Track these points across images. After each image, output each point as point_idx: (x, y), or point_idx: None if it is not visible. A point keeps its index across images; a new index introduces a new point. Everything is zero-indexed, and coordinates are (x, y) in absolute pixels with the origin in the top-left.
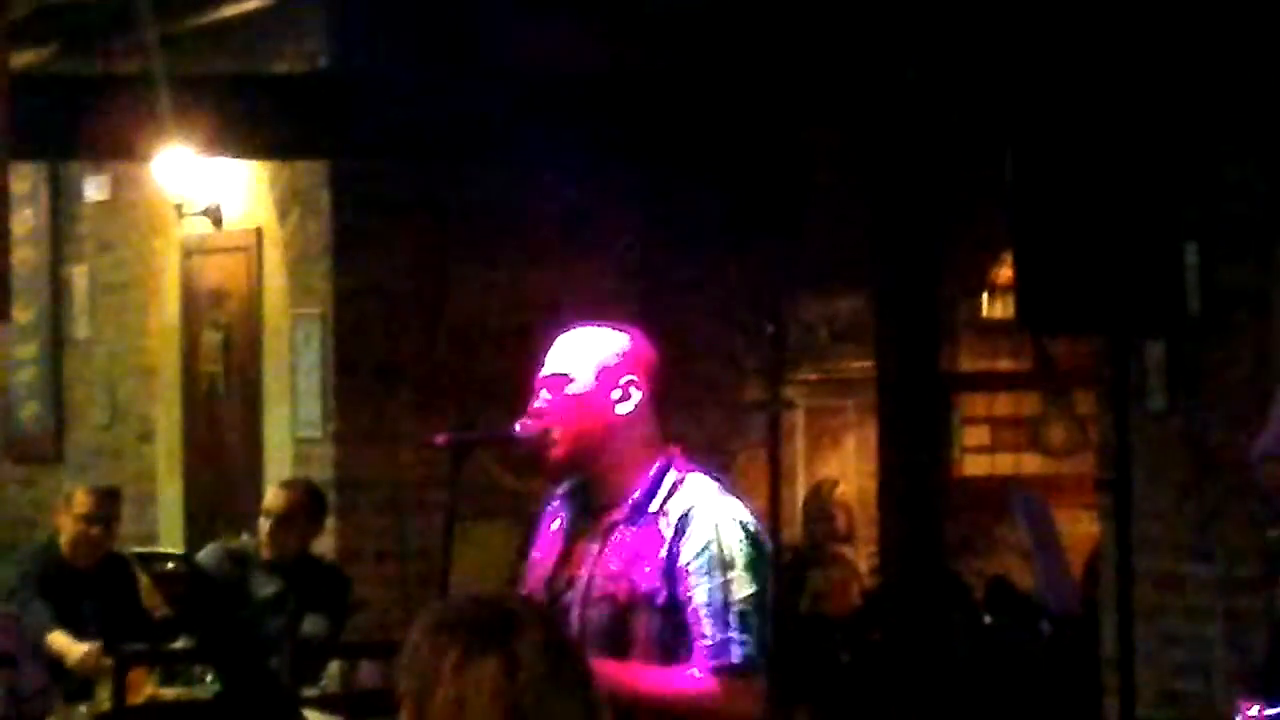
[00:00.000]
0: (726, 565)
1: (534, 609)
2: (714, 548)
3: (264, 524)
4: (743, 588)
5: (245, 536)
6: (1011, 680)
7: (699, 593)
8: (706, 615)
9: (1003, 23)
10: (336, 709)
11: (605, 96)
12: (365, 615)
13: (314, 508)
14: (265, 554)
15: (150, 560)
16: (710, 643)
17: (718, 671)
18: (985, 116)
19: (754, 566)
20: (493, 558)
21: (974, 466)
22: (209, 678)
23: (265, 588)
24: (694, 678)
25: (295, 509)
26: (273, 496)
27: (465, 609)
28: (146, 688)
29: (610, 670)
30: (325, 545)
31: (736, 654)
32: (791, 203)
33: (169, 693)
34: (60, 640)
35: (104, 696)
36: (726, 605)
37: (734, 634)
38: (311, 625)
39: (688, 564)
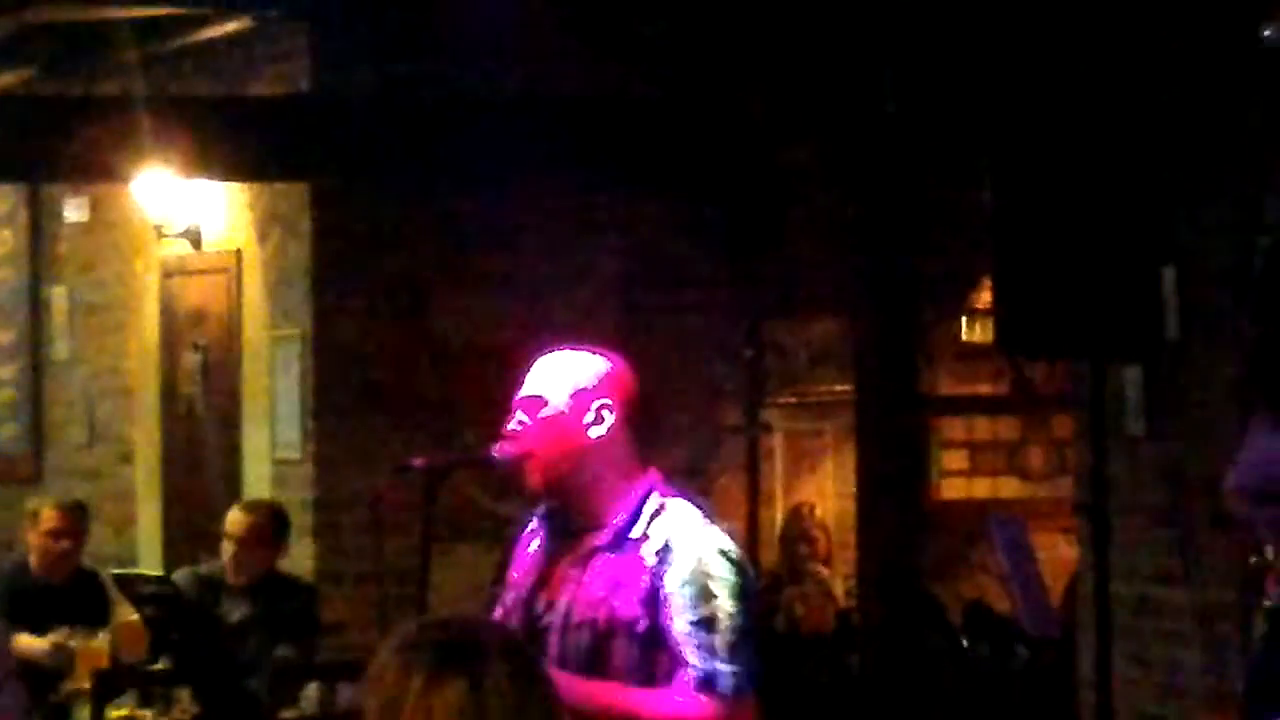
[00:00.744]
0: (711, 595)
1: (501, 632)
2: (698, 578)
3: (227, 548)
4: (728, 617)
5: (214, 561)
6: (989, 704)
7: (683, 623)
8: (693, 646)
9: (982, 49)
10: None
11: (586, 121)
12: (343, 637)
13: (276, 529)
14: (230, 578)
15: (129, 582)
16: (698, 673)
17: (715, 701)
18: (964, 142)
19: (738, 595)
20: (471, 579)
21: (952, 490)
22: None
23: (235, 611)
24: (687, 702)
25: (257, 531)
26: (233, 520)
27: (433, 631)
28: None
29: (602, 692)
30: (303, 567)
31: (726, 684)
32: (771, 227)
33: (146, 714)
34: (23, 640)
35: (82, 717)
36: (713, 635)
37: (721, 664)
38: (283, 649)
39: (671, 593)
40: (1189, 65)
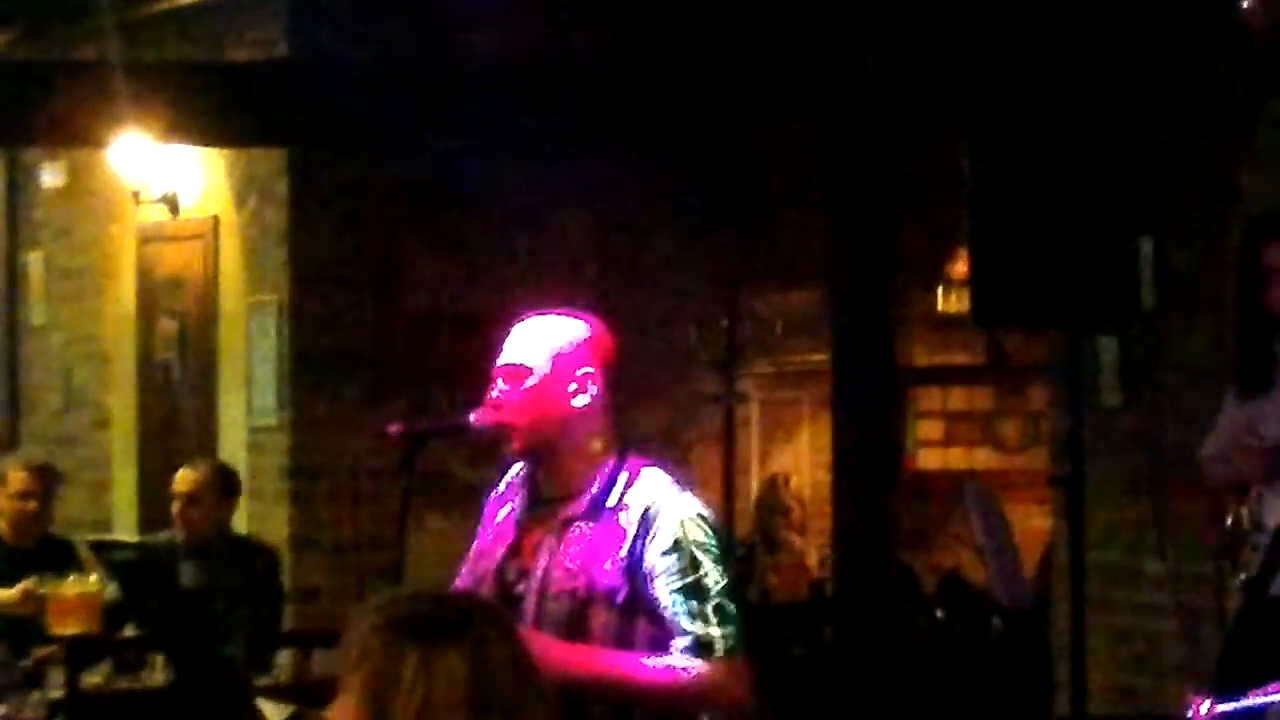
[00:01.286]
0: (696, 561)
1: (486, 603)
2: (682, 546)
3: (175, 506)
4: (715, 583)
5: (169, 531)
6: (963, 674)
7: (671, 591)
8: (684, 613)
9: (959, 17)
10: (289, 698)
11: (565, 87)
12: (318, 604)
13: (223, 486)
14: (181, 538)
15: (104, 548)
16: (692, 639)
17: (715, 663)
18: (941, 111)
19: (720, 560)
20: (444, 547)
21: (927, 460)
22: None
23: (191, 573)
24: (685, 668)
25: (202, 489)
26: (180, 477)
27: (418, 607)
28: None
29: (599, 658)
30: (279, 533)
31: (720, 647)
32: (747, 196)
33: (121, 681)
34: None
35: (57, 683)
36: (703, 601)
37: (714, 629)
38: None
39: (655, 563)
40: (1166, 36)
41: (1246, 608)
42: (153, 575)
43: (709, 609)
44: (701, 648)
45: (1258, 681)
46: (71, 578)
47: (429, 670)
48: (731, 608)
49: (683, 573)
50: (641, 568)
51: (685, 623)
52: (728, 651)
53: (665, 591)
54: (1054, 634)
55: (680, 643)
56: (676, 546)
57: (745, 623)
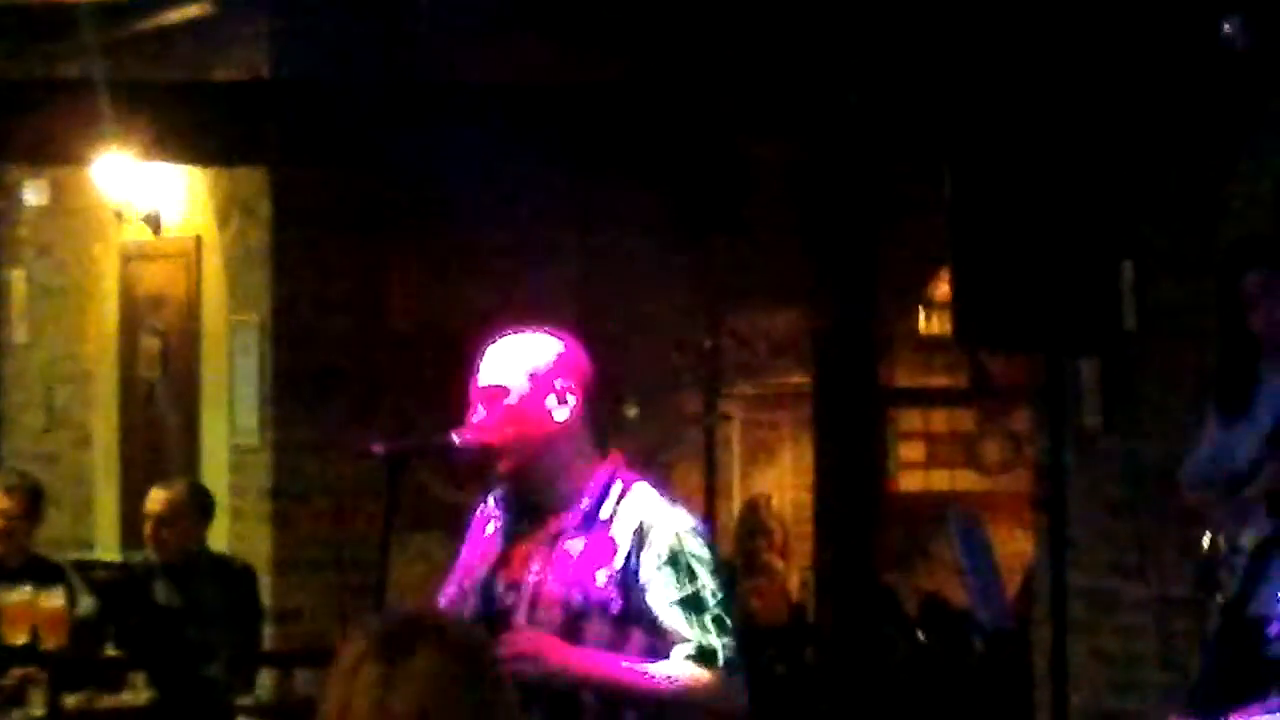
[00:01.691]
0: (693, 573)
1: (452, 620)
2: (679, 558)
3: (147, 527)
4: (712, 594)
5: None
6: (945, 696)
7: (669, 603)
8: (684, 623)
9: (942, 41)
10: (272, 718)
11: (547, 107)
12: (300, 624)
13: (196, 506)
14: (154, 556)
15: (85, 568)
16: (694, 647)
17: (715, 672)
18: (923, 133)
19: (716, 571)
20: (427, 568)
21: (909, 482)
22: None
23: (165, 593)
24: (691, 675)
25: (174, 509)
26: (151, 498)
27: (385, 625)
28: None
29: (610, 664)
30: (261, 553)
31: (722, 657)
32: (729, 217)
33: (103, 700)
34: None
35: (37, 703)
36: (702, 612)
37: (714, 638)
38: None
39: (651, 576)
40: (1149, 59)
41: (1225, 629)
42: (133, 594)
43: (708, 620)
44: (704, 656)
45: (1237, 703)
46: (28, 587)
47: (389, 685)
48: (729, 620)
49: (680, 585)
50: (637, 580)
51: (686, 632)
52: (728, 661)
53: (664, 603)
54: (1035, 656)
55: (682, 650)
56: (673, 559)
57: (739, 632)
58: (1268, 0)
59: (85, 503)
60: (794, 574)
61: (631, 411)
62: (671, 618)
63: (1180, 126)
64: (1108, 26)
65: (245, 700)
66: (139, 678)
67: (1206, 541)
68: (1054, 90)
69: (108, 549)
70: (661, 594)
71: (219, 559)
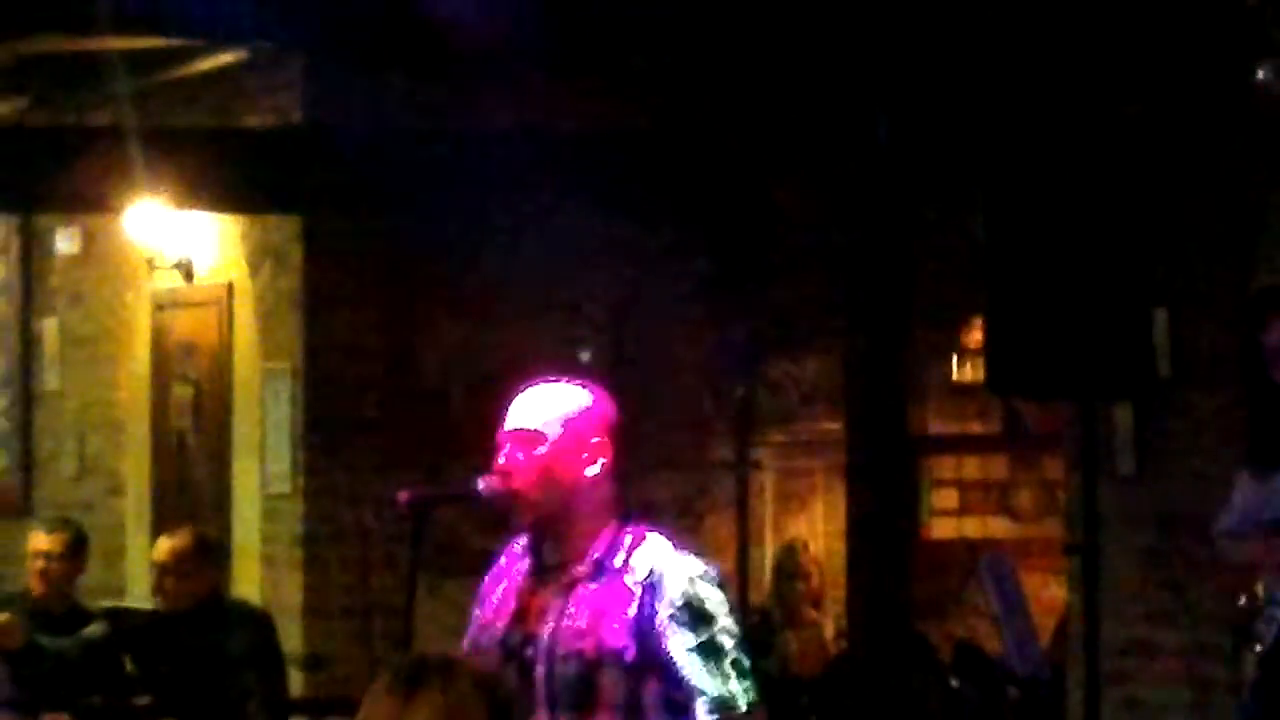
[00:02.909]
0: (710, 619)
1: (469, 661)
2: (694, 603)
3: (154, 577)
4: (729, 638)
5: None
6: None
7: (686, 650)
8: (702, 670)
9: (976, 85)
10: None
11: (578, 154)
12: (330, 671)
13: (202, 554)
14: (160, 606)
15: (118, 616)
16: (715, 700)
17: (723, 712)
18: (957, 179)
19: (730, 614)
20: (458, 615)
21: (942, 529)
22: None
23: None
24: None
25: (180, 558)
26: (157, 547)
27: (404, 661)
28: None
29: None
30: (293, 601)
31: (743, 702)
32: (762, 263)
33: None
34: None
35: None
36: (720, 659)
37: (734, 684)
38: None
39: (666, 624)
40: (1183, 106)
41: (1262, 680)
42: (171, 641)
43: (726, 665)
44: (724, 706)
45: None
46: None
47: (401, 717)
48: (746, 662)
49: (696, 632)
50: (653, 628)
51: (704, 682)
52: (749, 706)
53: (680, 651)
54: (1069, 704)
55: (703, 704)
56: (687, 605)
57: (758, 679)
58: None
59: (117, 550)
60: (829, 622)
61: (584, 356)
62: (689, 666)
63: (1214, 172)
64: (1142, 72)
65: None
66: None
67: (1245, 592)
68: (1088, 136)
69: (140, 597)
70: (677, 641)
71: (234, 606)
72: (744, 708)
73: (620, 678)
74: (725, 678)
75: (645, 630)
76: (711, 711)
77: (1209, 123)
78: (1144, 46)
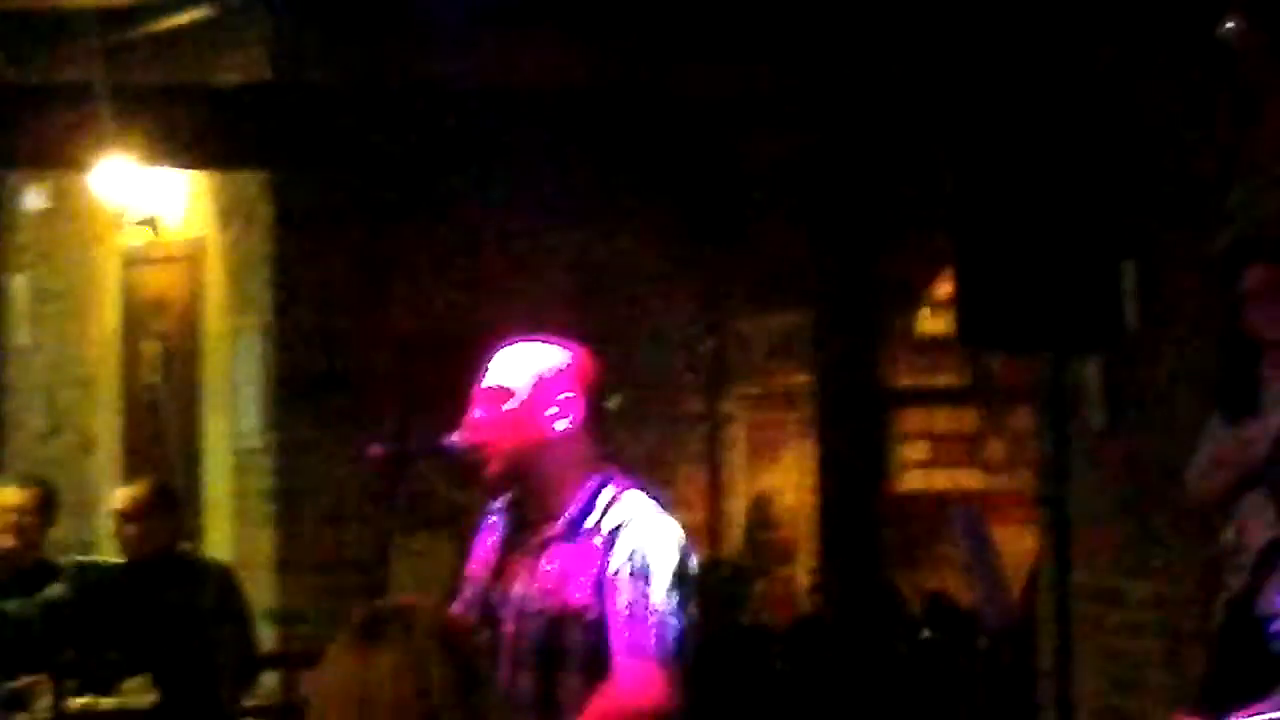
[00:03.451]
0: (649, 576)
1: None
2: (637, 558)
3: (113, 525)
4: (664, 598)
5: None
6: (949, 694)
7: (620, 599)
8: (625, 620)
9: (943, 41)
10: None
11: (548, 110)
12: (303, 626)
13: (161, 504)
14: (124, 555)
15: (86, 570)
16: (629, 641)
17: (639, 663)
18: (925, 133)
19: (678, 582)
20: (433, 568)
21: (912, 482)
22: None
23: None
24: (620, 689)
25: (139, 507)
26: (116, 496)
27: (367, 613)
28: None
29: None
30: (264, 555)
31: (650, 649)
32: (731, 218)
33: (107, 702)
34: None
35: (42, 706)
36: (647, 611)
37: (652, 635)
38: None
39: (612, 576)
40: (1152, 59)
41: (1231, 628)
42: (130, 596)
43: (650, 619)
44: (632, 646)
45: (1243, 702)
46: None
47: (363, 669)
48: (675, 624)
49: (633, 583)
50: (604, 581)
51: (623, 628)
52: (659, 652)
53: (618, 603)
54: (1040, 655)
55: (616, 643)
56: (631, 557)
57: (688, 644)
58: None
59: (88, 506)
60: (802, 574)
61: (613, 402)
62: (618, 614)
63: (1182, 124)
64: (1109, 25)
65: (248, 701)
66: (136, 681)
67: (1231, 533)
68: (1055, 89)
69: (111, 552)
70: (619, 596)
71: (196, 560)
72: (651, 652)
73: (585, 636)
74: (645, 630)
75: (600, 584)
76: (621, 650)
77: (1178, 74)
78: (1111, 1)
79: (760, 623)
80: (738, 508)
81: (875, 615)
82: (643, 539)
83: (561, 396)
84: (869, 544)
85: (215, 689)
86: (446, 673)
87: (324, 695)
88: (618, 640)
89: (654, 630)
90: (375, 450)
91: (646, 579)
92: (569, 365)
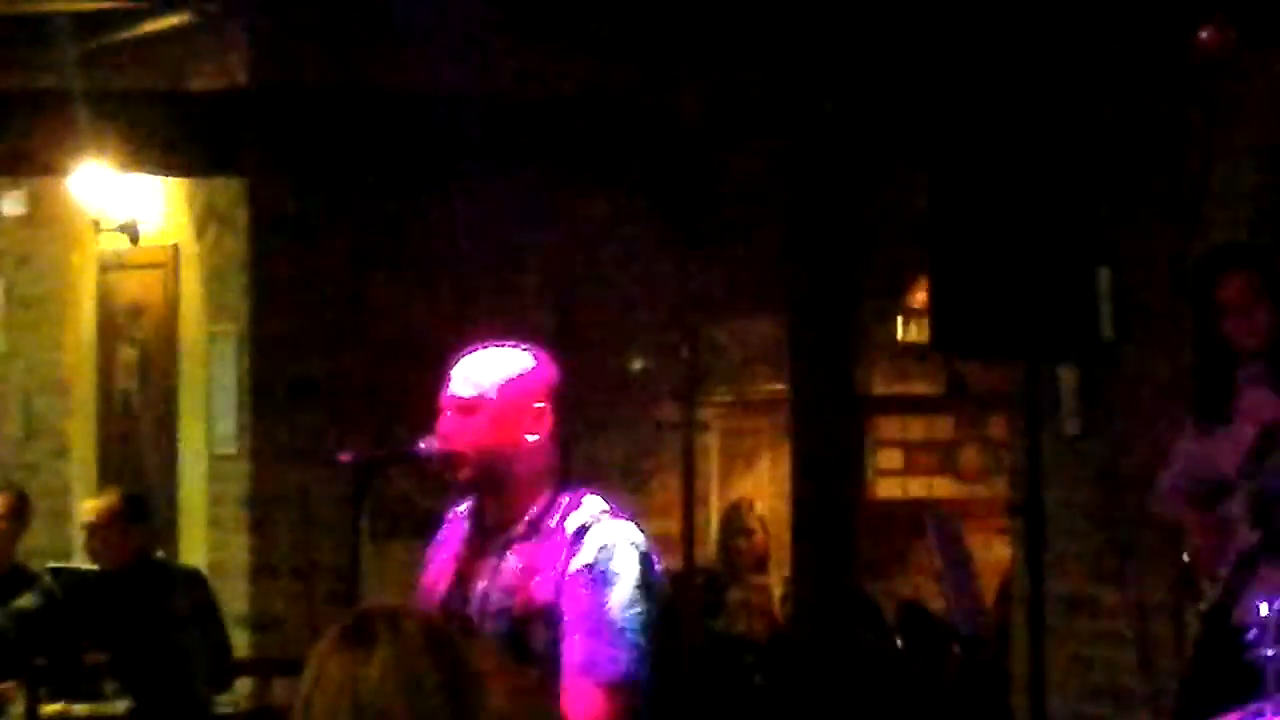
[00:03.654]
0: (610, 582)
1: (422, 614)
2: (600, 564)
3: (82, 536)
4: (626, 606)
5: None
6: (923, 703)
7: (577, 605)
8: (584, 630)
9: (920, 49)
10: None
11: (525, 116)
12: (277, 632)
13: (130, 513)
14: (94, 563)
15: (61, 575)
16: (584, 657)
17: (593, 685)
18: (902, 142)
19: (642, 588)
20: (405, 575)
21: (887, 489)
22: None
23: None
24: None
25: (107, 518)
26: (84, 508)
27: (354, 617)
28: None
29: None
30: (239, 561)
31: (610, 671)
32: (707, 225)
33: (81, 709)
34: None
35: (15, 713)
36: (607, 621)
37: (612, 649)
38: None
39: (572, 577)
40: (1126, 68)
41: (1206, 637)
42: (104, 603)
43: (611, 630)
44: (590, 666)
45: (1217, 711)
46: None
47: (353, 674)
48: (638, 637)
49: (592, 589)
50: (564, 582)
51: (580, 639)
52: (621, 676)
53: (576, 607)
54: (1014, 663)
55: (571, 658)
56: (595, 563)
57: (647, 657)
58: (1243, 6)
59: (63, 512)
60: (775, 580)
61: (637, 364)
62: (574, 622)
63: (1157, 132)
64: (1084, 34)
65: (223, 708)
66: (110, 686)
67: (1187, 555)
68: (1030, 99)
69: (85, 558)
70: (577, 599)
71: (167, 565)
72: (612, 677)
73: (549, 634)
74: (605, 642)
75: (561, 584)
76: (578, 670)
77: (1152, 83)
78: (1088, 7)
79: (735, 631)
80: (712, 516)
81: (848, 623)
82: (605, 542)
83: (533, 406)
84: (843, 552)
85: (191, 694)
86: (437, 675)
87: (312, 699)
88: (570, 653)
89: (610, 649)
90: (345, 456)
91: (607, 587)
92: (536, 373)
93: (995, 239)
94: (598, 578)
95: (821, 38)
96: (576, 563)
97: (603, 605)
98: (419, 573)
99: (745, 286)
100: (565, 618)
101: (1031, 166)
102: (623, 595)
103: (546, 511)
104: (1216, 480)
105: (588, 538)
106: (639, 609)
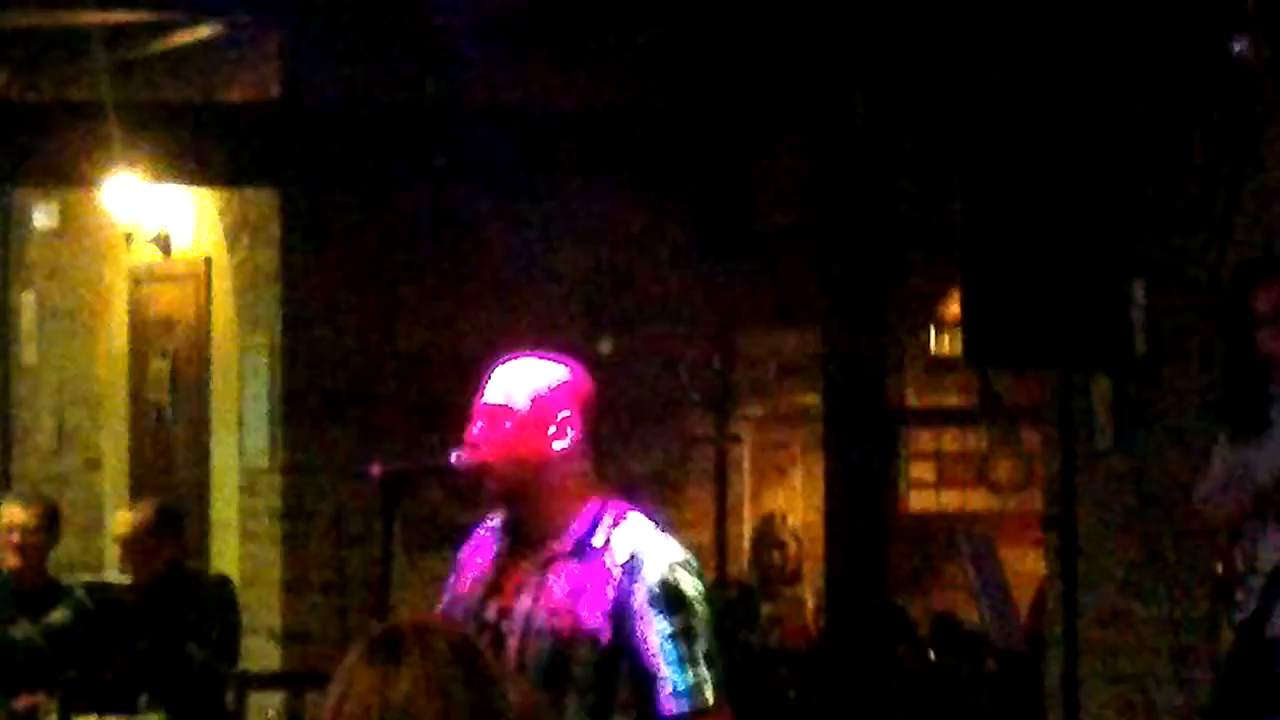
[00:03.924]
0: (684, 606)
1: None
2: (670, 590)
3: (115, 549)
4: (702, 627)
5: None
6: (956, 716)
7: (660, 636)
8: (671, 659)
9: (953, 62)
10: None
11: (557, 128)
12: (309, 646)
13: (164, 526)
14: (125, 577)
15: (94, 590)
16: (679, 687)
17: (694, 715)
18: (935, 154)
19: (706, 605)
20: (440, 588)
21: (920, 502)
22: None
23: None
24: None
25: (140, 532)
26: (117, 521)
27: (382, 631)
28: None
29: None
30: (271, 575)
31: (709, 694)
32: (740, 238)
33: None
34: None
35: None
36: (692, 646)
37: (704, 672)
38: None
39: (643, 609)
40: (1160, 79)
41: (1241, 650)
42: (138, 616)
43: (698, 653)
44: (692, 695)
45: None
46: None
47: (381, 690)
48: (716, 655)
49: (671, 618)
50: (628, 611)
51: (672, 669)
52: (717, 699)
53: (655, 637)
54: (1047, 676)
55: (670, 692)
56: (665, 592)
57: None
58: (1277, 16)
59: (95, 524)
60: (810, 595)
61: (605, 347)
62: (660, 652)
63: (1190, 145)
64: (1119, 45)
65: None
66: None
67: (1224, 561)
68: (1064, 110)
69: (118, 572)
70: (653, 627)
71: (199, 575)
72: (710, 698)
73: (592, 659)
74: (695, 666)
75: (621, 613)
76: (678, 698)
77: (1186, 95)
78: (1120, 18)
79: (768, 644)
80: (744, 529)
81: (882, 636)
82: (671, 567)
83: (560, 415)
84: (876, 565)
85: (222, 705)
86: (467, 692)
87: (340, 713)
88: (662, 681)
89: (705, 668)
90: (375, 469)
91: (683, 611)
92: (566, 383)
93: (1028, 251)
94: (672, 602)
95: (855, 49)
96: (642, 591)
97: (684, 633)
98: (446, 582)
99: (778, 299)
100: (640, 648)
101: (1064, 178)
102: (697, 619)
103: (591, 529)
104: (1253, 490)
105: (648, 565)
106: (711, 625)
